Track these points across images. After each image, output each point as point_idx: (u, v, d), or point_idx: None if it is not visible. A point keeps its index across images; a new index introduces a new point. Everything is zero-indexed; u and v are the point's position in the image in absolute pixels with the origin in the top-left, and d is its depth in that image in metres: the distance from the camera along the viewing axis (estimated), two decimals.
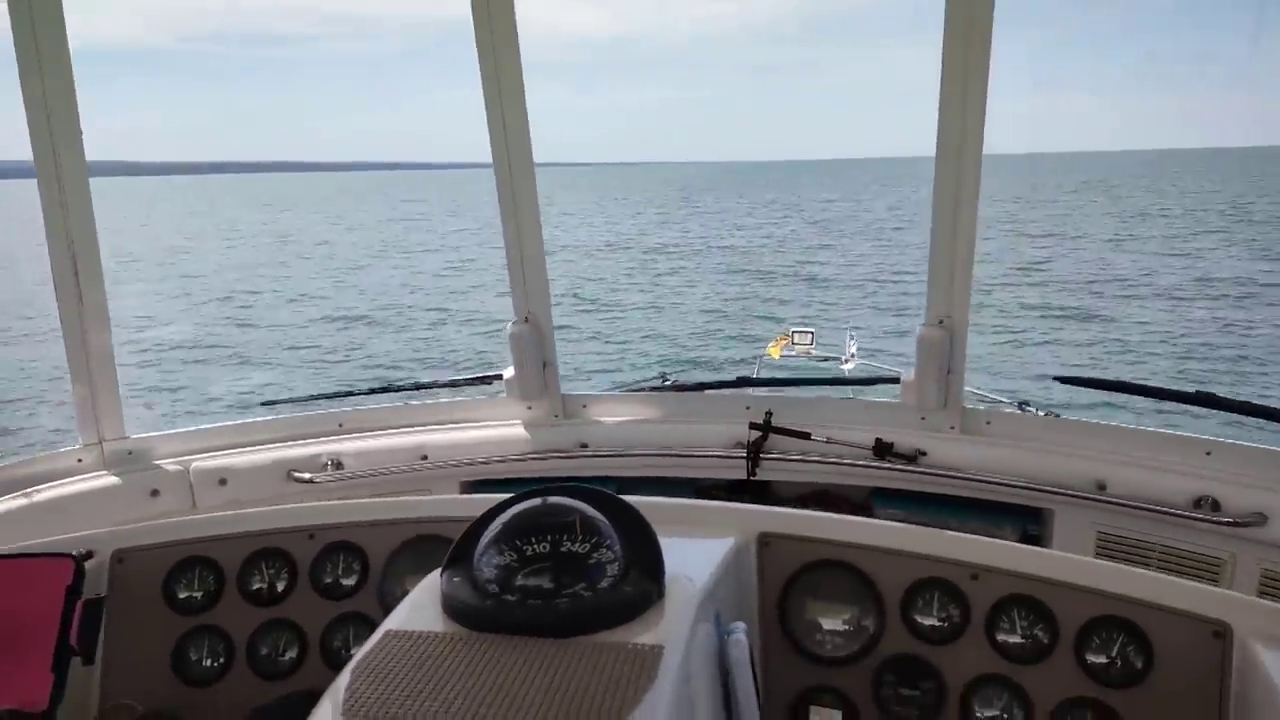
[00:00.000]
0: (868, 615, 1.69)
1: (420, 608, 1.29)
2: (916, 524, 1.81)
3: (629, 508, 1.38)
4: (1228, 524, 2.45)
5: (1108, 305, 23.45)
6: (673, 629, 1.22)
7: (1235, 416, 2.94)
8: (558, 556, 1.24)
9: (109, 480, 2.84)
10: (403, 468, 3.10)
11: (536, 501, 1.33)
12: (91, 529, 1.90)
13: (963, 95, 2.53)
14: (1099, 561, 1.63)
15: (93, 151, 2.69)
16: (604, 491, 1.40)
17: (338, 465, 3.08)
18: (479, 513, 1.37)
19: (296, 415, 3.25)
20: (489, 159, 2.96)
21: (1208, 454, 2.58)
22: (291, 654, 1.86)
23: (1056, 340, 19.48)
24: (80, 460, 2.86)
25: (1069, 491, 2.66)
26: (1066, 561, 1.62)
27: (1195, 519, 2.50)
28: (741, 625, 1.34)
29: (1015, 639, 1.60)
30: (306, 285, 31.77)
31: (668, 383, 5.82)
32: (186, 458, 2.97)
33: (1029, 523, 2.84)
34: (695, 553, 1.38)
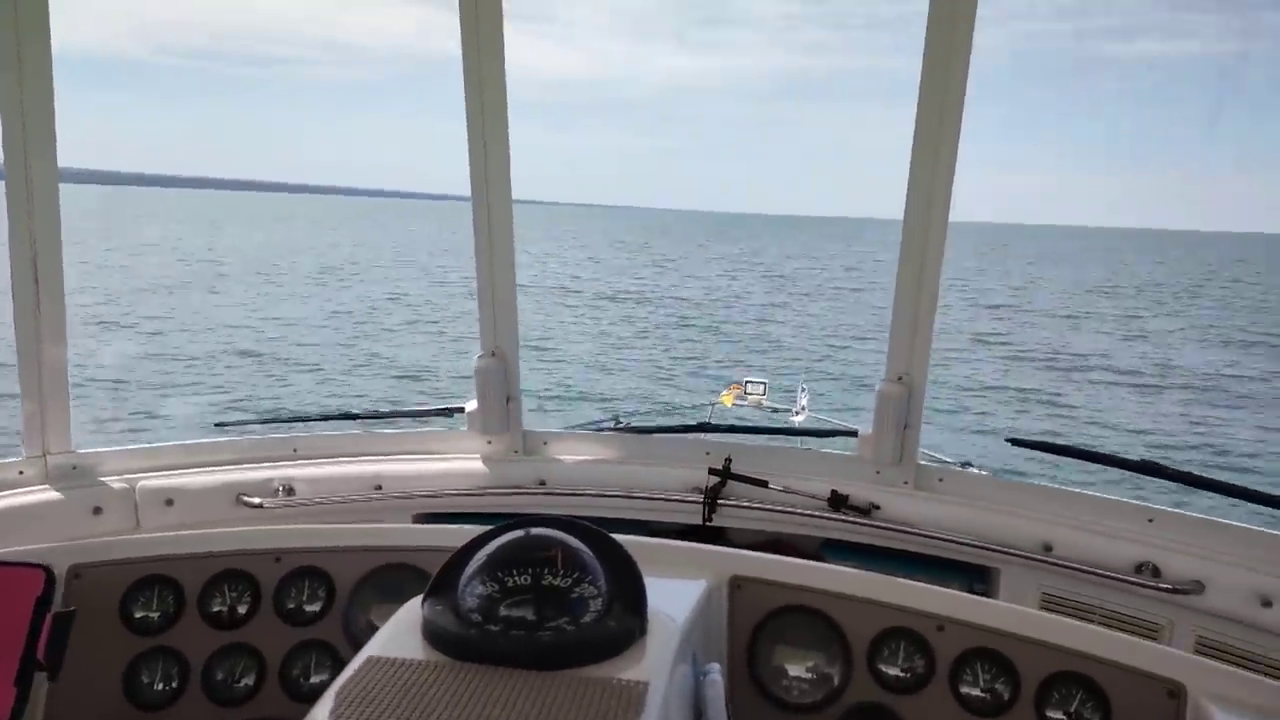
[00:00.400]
0: (834, 662, 1.71)
1: (401, 635, 1.28)
2: None
3: (614, 543, 1.38)
4: (1167, 590, 2.50)
5: (1072, 389, 22.89)
6: (656, 666, 1.22)
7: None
8: (539, 590, 1.23)
9: (50, 495, 2.74)
10: (356, 497, 3.05)
11: (519, 534, 1.33)
12: (29, 543, 1.84)
13: (933, 158, 2.61)
14: (1062, 619, 1.68)
15: (66, 158, 2.63)
16: (590, 525, 1.40)
17: (289, 491, 3.01)
18: (452, 543, 1.37)
19: (249, 438, 3.19)
20: (467, 192, 2.98)
21: (1150, 521, 2.64)
22: (248, 680, 1.82)
23: (1019, 429, 18.62)
24: (22, 473, 2.75)
25: (1016, 551, 2.71)
26: (1029, 617, 1.65)
27: (1136, 584, 2.55)
28: (716, 666, 1.35)
29: (978, 692, 1.62)
30: (229, 312, 30.06)
31: (623, 424, 5.80)
32: (132, 476, 2.89)
33: (975, 580, 2.87)
34: (670, 592, 1.38)
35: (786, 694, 1.71)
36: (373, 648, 1.25)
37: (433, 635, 1.24)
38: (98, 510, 2.78)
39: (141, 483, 2.88)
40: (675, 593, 1.41)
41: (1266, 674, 2.37)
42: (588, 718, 1.09)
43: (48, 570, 1.68)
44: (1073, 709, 1.56)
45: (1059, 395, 22.50)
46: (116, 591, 1.81)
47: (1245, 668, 2.36)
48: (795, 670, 1.72)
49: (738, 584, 1.74)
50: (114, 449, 2.96)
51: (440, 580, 1.33)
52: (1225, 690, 1.49)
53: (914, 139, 2.62)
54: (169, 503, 2.89)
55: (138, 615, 1.81)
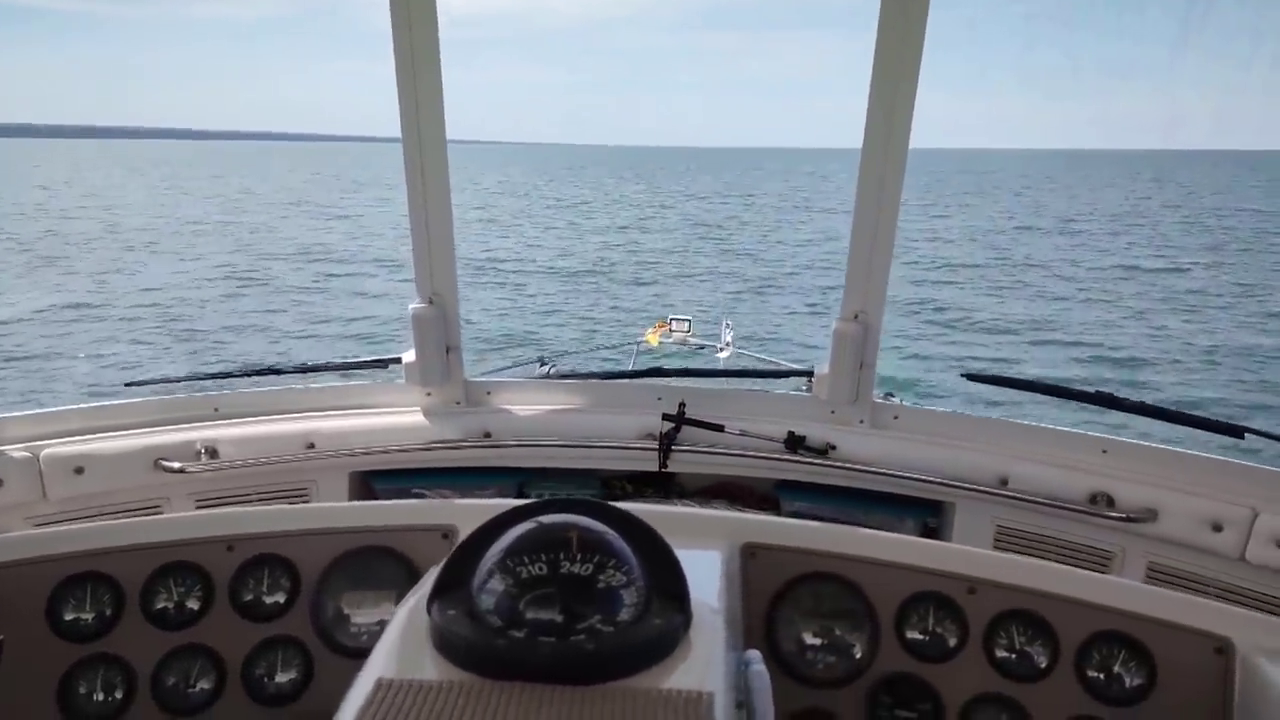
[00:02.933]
0: (860, 632, 1.63)
1: (408, 647, 1.11)
2: (822, 518, 1.73)
3: (642, 524, 1.22)
4: (1120, 519, 2.54)
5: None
6: (712, 669, 1.08)
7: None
8: (559, 580, 1.07)
9: None
10: (286, 456, 2.86)
11: (531, 524, 1.16)
12: None
13: (893, 90, 2.50)
14: (1101, 576, 1.62)
15: None
16: (612, 506, 1.24)
17: (212, 453, 2.82)
18: (431, 520, 1.21)
19: (166, 398, 2.96)
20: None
21: (1104, 452, 2.67)
22: (205, 685, 1.64)
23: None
24: None
25: (970, 486, 2.72)
26: (1067, 576, 1.59)
27: (1090, 514, 2.59)
28: (757, 654, 1.21)
29: (1015, 656, 1.56)
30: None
31: (550, 368, 5.65)
32: (36, 443, 2.66)
33: (929, 515, 2.88)
34: (691, 568, 1.22)
35: (810, 668, 1.62)
36: (378, 666, 1.07)
37: (447, 647, 1.07)
38: None
39: (46, 450, 2.65)
40: (692, 568, 1.24)
41: (1217, 596, 2.44)
42: None
43: None
44: (1115, 669, 1.51)
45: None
46: (41, 593, 1.59)
47: (1196, 591, 2.43)
48: (819, 642, 1.63)
49: (751, 551, 1.63)
50: (12, 415, 2.71)
51: (447, 576, 1.17)
52: (1275, 644, 1.45)
53: (873, 69, 2.50)
54: (78, 470, 2.67)
55: (68, 618, 1.60)
